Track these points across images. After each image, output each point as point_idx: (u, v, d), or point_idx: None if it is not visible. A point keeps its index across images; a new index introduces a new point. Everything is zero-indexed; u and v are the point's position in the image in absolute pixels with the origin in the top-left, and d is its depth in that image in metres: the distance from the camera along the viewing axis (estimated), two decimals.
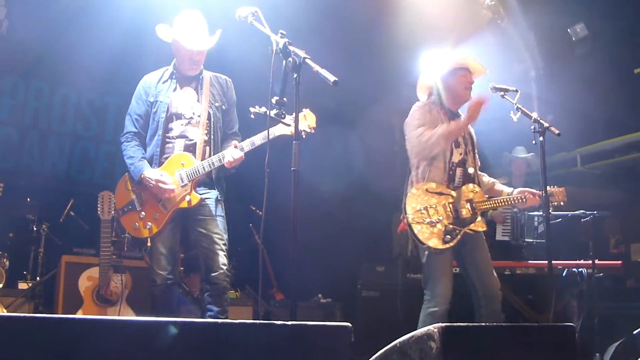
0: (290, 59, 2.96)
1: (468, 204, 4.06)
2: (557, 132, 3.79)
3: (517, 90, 4.16)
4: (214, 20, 4.18)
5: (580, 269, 5.09)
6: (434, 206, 3.99)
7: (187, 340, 1.95)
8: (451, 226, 3.98)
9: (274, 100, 3.06)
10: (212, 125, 4.05)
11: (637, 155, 6.28)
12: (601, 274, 5.17)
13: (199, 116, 4.02)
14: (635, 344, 4.25)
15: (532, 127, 3.93)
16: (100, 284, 4.92)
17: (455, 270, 4.14)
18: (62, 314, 4.93)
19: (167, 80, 4.09)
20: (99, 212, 4.93)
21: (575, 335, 2.75)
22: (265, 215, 3.30)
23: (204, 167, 3.89)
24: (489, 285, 3.98)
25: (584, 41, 6.62)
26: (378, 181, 7.61)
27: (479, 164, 4.32)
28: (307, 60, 2.92)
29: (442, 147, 4.03)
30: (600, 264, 5.12)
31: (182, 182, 3.89)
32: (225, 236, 3.98)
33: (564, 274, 5.13)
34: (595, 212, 5.18)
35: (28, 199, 5.81)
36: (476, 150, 4.29)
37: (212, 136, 4.04)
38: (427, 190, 4.03)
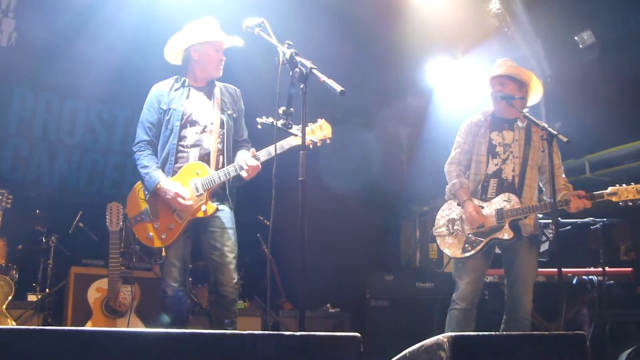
0: (297, 69, 2.96)
1: (495, 213, 4.09)
2: (565, 139, 3.76)
3: (524, 98, 4.16)
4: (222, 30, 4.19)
5: (590, 277, 5.06)
6: (459, 217, 4.22)
7: (196, 352, 1.94)
8: (472, 236, 4.14)
9: (280, 111, 3.06)
10: (225, 134, 4.02)
11: None
12: (612, 282, 5.12)
13: (212, 124, 3.99)
14: None
15: (541, 134, 3.91)
16: (109, 296, 4.94)
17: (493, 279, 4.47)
18: (71, 325, 4.95)
19: (179, 89, 4.06)
20: (107, 224, 4.95)
21: (587, 344, 2.73)
22: (272, 225, 3.29)
23: (219, 177, 3.84)
24: (516, 306, 4.06)
25: (591, 48, 6.60)
26: (386, 190, 7.62)
27: (533, 171, 4.25)
28: (314, 71, 2.92)
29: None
30: (611, 271, 5.08)
31: (198, 191, 3.85)
32: (236, 249, 3.96)
33: (574, 282, 5.10)
34: (604, 219, 5.15)
35: (37, 211, 5.84)
36: (530, 159, 4.21)
37: (225, 145, 4.01)
38: (458, 203, 4.27)
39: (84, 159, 6.98)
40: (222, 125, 4.01)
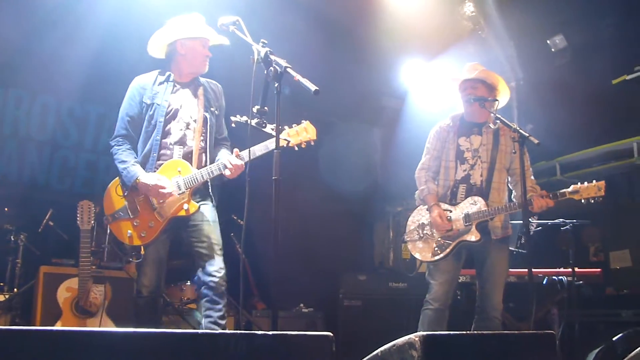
0: (271, 68, 2.96)
1: (463, 217, 4.17)
2: (536, 141, 3.82)
3: (496, 100, 4.21)
4: None
5: (560, 277, 5.14)
6: (429, 222, 4.31)
7: (168, 352, 1.92)
8: (442, 240, 4.23)
9: (255, 110, 3.05)
10: (207, 131, 3.94)
11: (616, 164, 6.36)
12: (581, 282, 5.21)
13: (195, 122, 3.91)
14: (615, 350, 4.29)
15: (512, 137, 3.96)
16: (80, 295, 4.87)
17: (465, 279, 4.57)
18: (40, 326, 4.86)
19: (163, 82, 3.96)
20: (78, 222, 4.89)
21: (556, 343, 2.77)
22: (246, 224, 3.28)
23: (202, 175, 3.77)
24: (485, 301, 4.15)
25: (563, 52, 6.72)
26: (360, 190, 7.64)
27: (500, 175, 4.30)
28: (289, 70, 2.92)
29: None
30: (580, 271, 5.16)
31: (180, 189, 3.76)
32: (221, 243, 3.86)
33: (544, 282, 5.17)
34: (574, 220, 5.23)
35: (6, 209, 5.73)
36: (498, 163, 4.27)
37: (207, 143, 3.94)
38: (427, 208, 4.36)
39: (54, 156, 6.87)
40: (205, 123, 3.94)
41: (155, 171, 3.81)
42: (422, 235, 4.29)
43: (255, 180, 3.15)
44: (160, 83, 3.94)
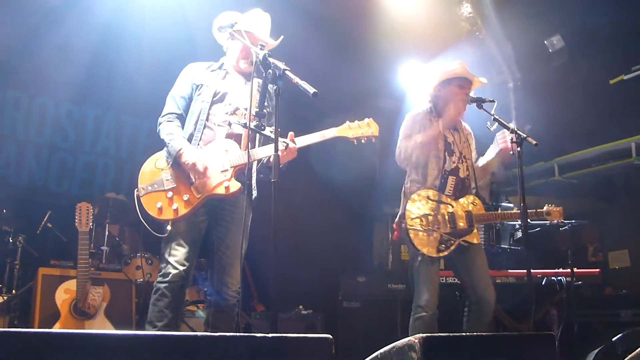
0: (270, 70, 2.96)
1: (466, 215, 4.15)
2: (534, 142, 3.82)
3: (494, 101, 4.20)
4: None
5: (559, 278, 5.15)
6: (433, 214, 4.10)
7: (167, 354, 1.92)
8: (447, 236, 4.09)
9: (254, 112, 3.05)
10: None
11: (614, 165, 6.37)
12: (580, 282, 5.22)
13: (245, 109, 3.69)
14: (614, 351, 4.29)
15: (511, 137, 3.96)
16: (78, 297, 4.86)
17: (442, 280, 4.19)
18: (38, 327, 4.85)
19: (215, 70, 3.83)
20: (76, 224, 4.89)
21: (555, 344, 2.77)
22: (245, 226, 3.28)
23: (254, 154, 3.53)
24: (483, 292, 4.07)
25: (560, 52, 6.73)
26: (359, 192, 7.64)
27: (476, 171, 4.35)
28: (287, 72, 2.92)
29: (421, 154, 4.18)
30: (579, 272, 5.17)
31: (224, 167, 3.53)
32: (246, 247, 3.57)
33: (543, 283, 5.17)
34: (573, 221, 5.25)
35: (4, 211, 5.72)
36: (473, 159, 4.34)
37: (256, 135, 3.67)
38: (428, 197, 4.15)
39: (52, 158, 6.87)
40: (257, 114, 3.66)
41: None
42: (426, 228, 4.07)
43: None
44: (213, 70, 3.83)
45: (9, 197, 6.07)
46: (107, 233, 5.85)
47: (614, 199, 6.38)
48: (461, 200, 4.20)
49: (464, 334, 3.40)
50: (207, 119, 3.66)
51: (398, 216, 4.25)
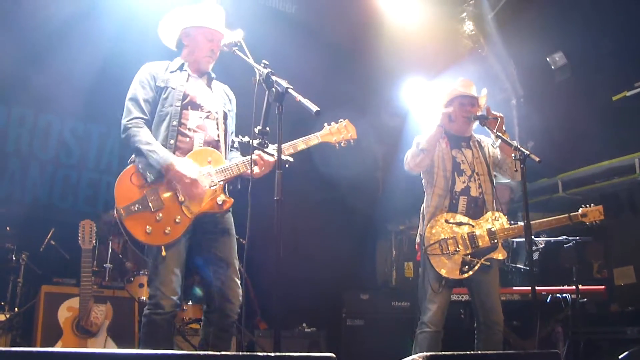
0: (273, 89, 2.96)
1: (488, 233, 4.11)
2: (537, 159, 3.81)
3: (497, 119, 4.20)
4: None
5: (564, 295, 5.11)
6: (453, 237, 4.10)
7: None
8: (469, 257, 4.07)
9: (256, 130, 3.05)
10: (226, 127, 3.58)
11: (618, 181, 6.36)
12: (585, 299, 5.19)
13: (216, 113, 3.52)
14: None
15: (513, 154, 3.95)
16: (81, 315, 4.85)
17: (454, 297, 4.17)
18: (40, 346, 4.83)
19: (175, 71, 3.54)
20: (80, 241, 4.88)
21: None
22: (248, 243, 3.27)
23: (238, 167, 3.36)
24: (489, 315, 4.05)
25: (563, 69, 6.75)
26: (362, 209, 7.64)
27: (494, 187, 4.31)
28: (290, 91, 2.92)
29: (423, 161, 4.19)
30: (584, 289, 5.14)
31: (212, 181, 3.34)
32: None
33: (548, 300, 5.14)
34: (577, 237, 5.22)
35: (8, 228, 5.73)
36: (491, 174, 4.28)
37: (227, 139, 3.54)
38: (446, 221, 4.14)
39: (57, 175, 6.89)
40: (225, 118, 3.58)
41: None
42: (446, 251, 4.08)
43: (256, 199, 3.15)
44: (172, 71, 3.55)
45: (13, 214, 6.09)
46: (110, 250, 5.84)
47: (618, 215, 6.36)
48: (482, 218, 4.16)
49: (468, 352, 3.37)
50: (179, 124, 3.38)
51: (418, 236, 4.26)
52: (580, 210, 4.25)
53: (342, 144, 3.71)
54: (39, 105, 6.75)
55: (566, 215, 4.25)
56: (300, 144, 3.53)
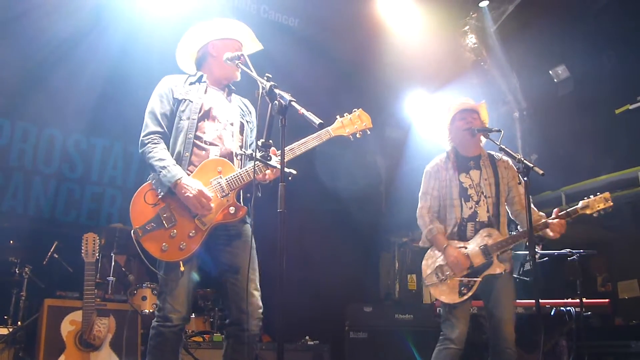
0: (276, 101, 2.96)
1: (482, 250, 4.09)
2: (540, 172, 3.80)
3: (500, 131, 4.19)
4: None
5: (568, 308, 5.08)
6: (446, 263, 4.12)
7: None
8: (465, 279, 4.07)
9: (260, 143, 3.05)
10: (244, 139, 3.56)
11: (621, 194, 6.35)
12: (589, 313, 5.15)
13: (232, 125, 3.51)
14: None
15: (517, 167, 3.95)
16: (84, 328, 4.83)
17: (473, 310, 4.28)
18: None
19: (194, 83, 3.54)
20: (83, 255, 4.87)
21: None
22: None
23: (248, 173, 3.30)
24: (498, 337, 4.01)
25: (566, 82, 6.77)
26: (365, 221, 7.63)
27: (503, 209, 4.27)
28: (293, 103, 2.92)
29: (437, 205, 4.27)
30: (588, 302, 5.11)
31: (223, 191, 3.30)
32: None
33: (552, 313, 5.11)
34: (581, 250, 5.20)
35: (11, 242, 5.73)
36: (500, 195, 4.24)
37: (244, 149, 3.48)
38: (439, 249, 4.17)
39: (60, 189, 6.91)
40: (242, 130, 3.56)
41: (189, 173, 3.31)
42: (442, 277, 4.10)
43: (259, 210, 3.15)
44: (192, 83, 3.55)
45: (16, 228, 6.10)
46: (113, 263, 5.84)
47: (622, 228, 6.34)
48: (475, 237, 4.14)
49: None
50: (195, 137, 3.39)
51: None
52: (580, 203, 4.13)
53: (357, 135, 3.62)
54: (43, 120, 6.78)
55: (564, 212, 4.13)
56: (312, 140, 3.45)
